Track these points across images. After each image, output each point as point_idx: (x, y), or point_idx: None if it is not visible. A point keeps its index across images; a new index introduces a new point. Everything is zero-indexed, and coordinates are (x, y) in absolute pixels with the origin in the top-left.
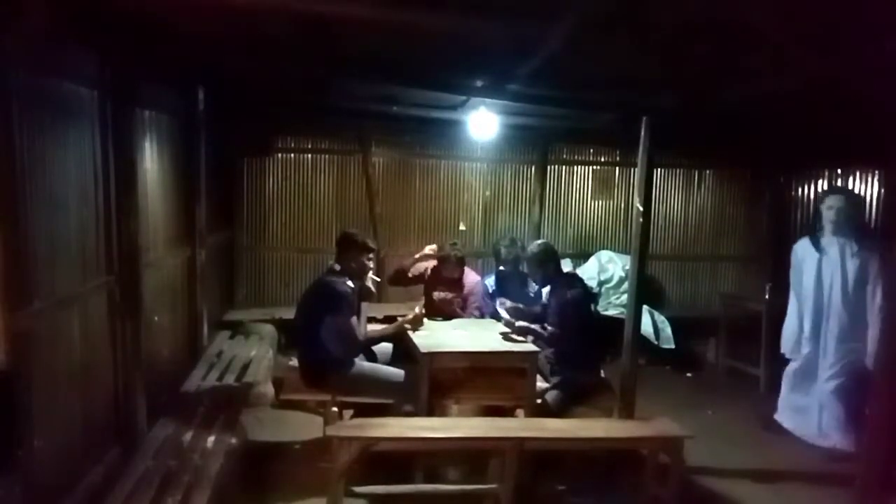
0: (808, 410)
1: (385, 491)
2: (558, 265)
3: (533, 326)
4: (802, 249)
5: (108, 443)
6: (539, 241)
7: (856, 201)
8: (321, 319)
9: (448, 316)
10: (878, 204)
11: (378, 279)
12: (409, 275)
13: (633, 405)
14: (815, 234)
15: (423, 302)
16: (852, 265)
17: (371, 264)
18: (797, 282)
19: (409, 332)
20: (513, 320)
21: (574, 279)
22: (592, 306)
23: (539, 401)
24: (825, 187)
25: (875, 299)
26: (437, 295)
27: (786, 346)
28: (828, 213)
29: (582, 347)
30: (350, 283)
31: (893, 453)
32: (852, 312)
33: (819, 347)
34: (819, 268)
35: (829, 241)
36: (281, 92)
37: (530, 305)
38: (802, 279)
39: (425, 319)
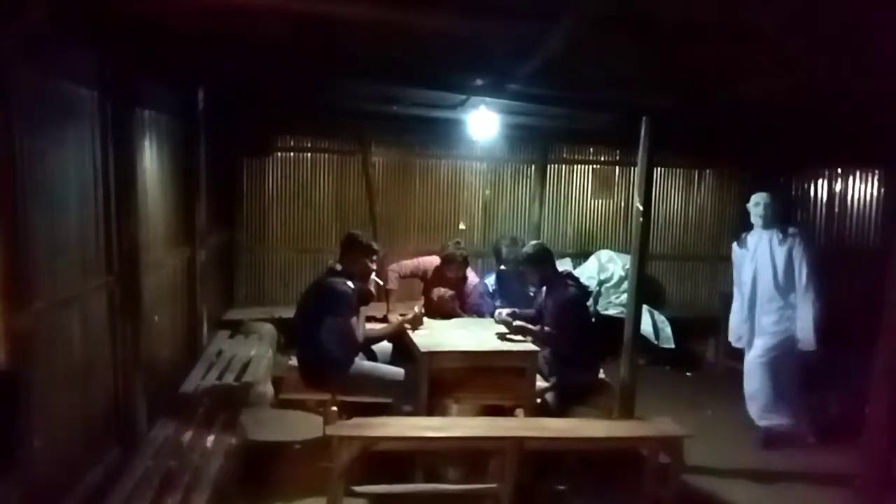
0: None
1: (385, 491)
2: (554, 266)
3: (529, 326)
4: (740, 248)
5: (108, 443)
6: (534, 242)
7: (778, 197)
8: (321, 319)
9: (447, 314)
10: (878, 204)
11: (381, 282)
12: (403, 275)
13: (633, 405)
14: (744, 232)
15: (423, 302)
16: (780, 253)
17: (374, 266)
18: (738, 278)
19: (409, 332)
20: (510, 319)
21: (570, 279)
22: (591, 306)
23: (539, 400)
24: (824, 187)
25: (802, 280)
26: (436, 292)
27: (732, 337)
28: (755, 209)
29: (580, 347)
30: (350, 284)
31: (893, 453)
32: (783, 296)
33: (754, 330)
34: (754, 261)
35: (760, 236)
36: (281, 92)
37: (530, 305)
38: (742, 275)
39: (425, 319)
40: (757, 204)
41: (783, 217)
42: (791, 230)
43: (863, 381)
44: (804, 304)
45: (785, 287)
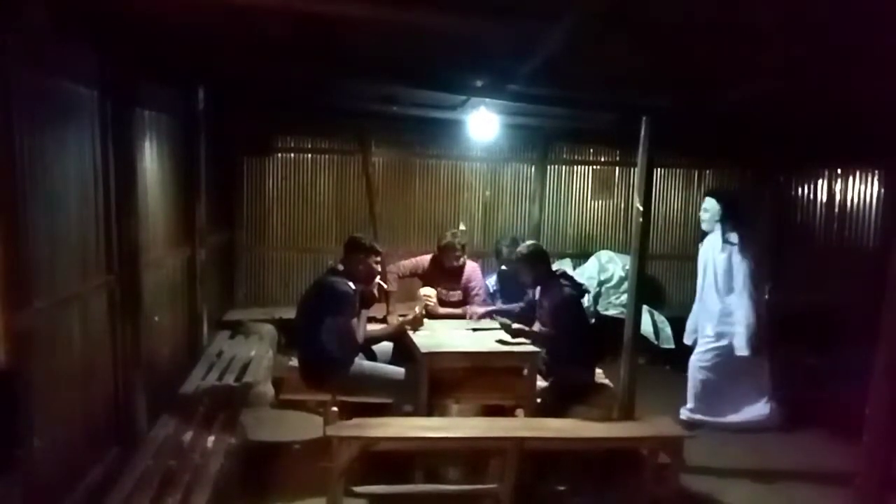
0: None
1: (385, 491)
2: (549, 266)
3: (527, 329)
4: (702, 250)
5: (108, 442)
6: (529, 243)
7: (727, 201)
8: (321, 319)
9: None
10: (878, 204)
11: (384, 284)
12: (402, 276)
13: (633, 405)
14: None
15: (423, 303)
16: (721, 258)
17: (378, 268)
18: (699, 279)
19: (410, 332)
20: (508, 322)
21: (564, 278)
22: (591, 305)
23: (539, 400)
24: (824, 187)
25: (738, 286)
26: (422, 292)
27: (687, 337)
28: (703, 214)
29: (576, 347)
30: (351, 284)
31: (893, 453)
32: (722, 300)
33: (698, 329)
34: (704, 263)
35: (709, 239)
36: (281, 92)
37: (529, 305)
38: (697, 276)
39: (425, 320)
40: (706, 210)
41: (733, 222)
42: (732, 237)
43: (860, 380)
44: (739, 311)
45: (724, 292)
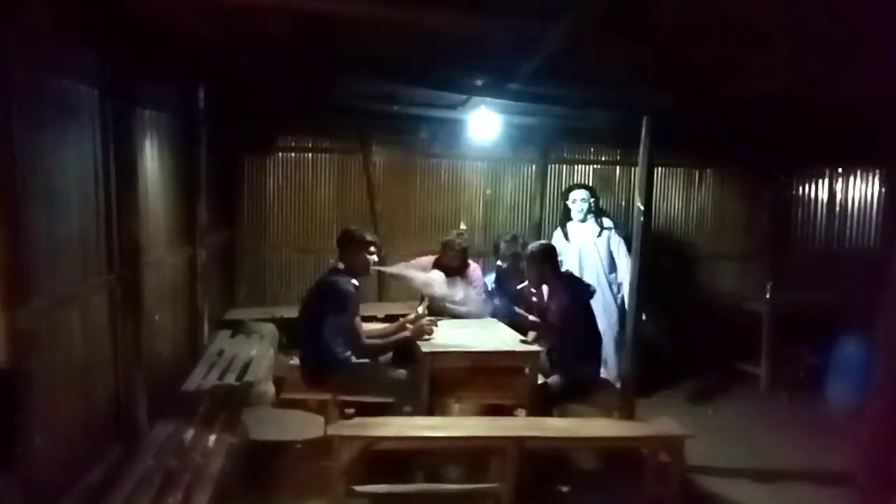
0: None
1: (386, 490)
2: (556, 267)
3: (533, 318)
4: (559, 239)
5: (109, 442)
6: (541, 241)
7: (595, 193)
8: (323, 318)
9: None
10: (878, 204)
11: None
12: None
13: (634, 405)
14: (564, 225)
15: (426, 303)
16: (601, 244)
17: (374, 259)
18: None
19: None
20: (526, 314)
21: (571, 279)
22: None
23: (540, 381)
24: (825, 187)
25: (622, 262)
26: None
27: None
28: (573, 205)
29: (585, 344)
30: (354, 282)
31: (893, 453)
32: (607, 276)
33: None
34: (578, 251)
35: (578, 228)
36: (281, 91)
37: (528, 304)
38: (566, 263)
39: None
40: (574, 200)
41: (598, 211)
42: (606, 223)
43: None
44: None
45: (608, 269)
